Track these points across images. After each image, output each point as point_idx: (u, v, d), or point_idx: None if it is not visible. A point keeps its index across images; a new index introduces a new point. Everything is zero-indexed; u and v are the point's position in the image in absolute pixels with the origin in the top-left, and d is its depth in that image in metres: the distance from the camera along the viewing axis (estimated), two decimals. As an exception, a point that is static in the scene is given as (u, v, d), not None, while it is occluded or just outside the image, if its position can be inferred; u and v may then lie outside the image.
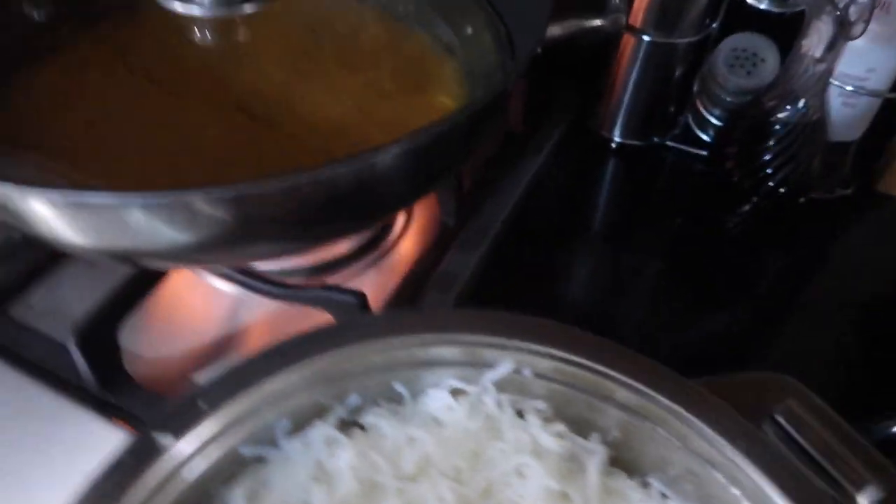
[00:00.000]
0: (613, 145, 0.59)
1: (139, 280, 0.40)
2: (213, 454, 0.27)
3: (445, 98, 0.45)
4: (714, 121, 0.55)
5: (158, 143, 0.41)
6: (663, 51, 0.52)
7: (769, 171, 0.47)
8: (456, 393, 0.31)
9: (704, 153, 0.58)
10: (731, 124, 0.49)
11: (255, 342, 0.43)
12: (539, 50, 0.35)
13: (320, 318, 0.43)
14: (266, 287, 0.40)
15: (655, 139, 0.59)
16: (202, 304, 0.45)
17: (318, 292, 0.39)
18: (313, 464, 0.29)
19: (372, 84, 0.46)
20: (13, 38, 0.45)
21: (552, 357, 0.31)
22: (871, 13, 0.40)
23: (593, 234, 0.56)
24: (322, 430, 0.29)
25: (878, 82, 0.49)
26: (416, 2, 0.49)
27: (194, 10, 0.40)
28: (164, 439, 0.26)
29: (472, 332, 0.31)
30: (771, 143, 0.47)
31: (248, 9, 0.40)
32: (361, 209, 0.33)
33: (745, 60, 0.50)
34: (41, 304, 0.45)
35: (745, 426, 0.29)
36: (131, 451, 0.25)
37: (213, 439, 0.27)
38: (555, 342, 0.31)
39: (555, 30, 0.37)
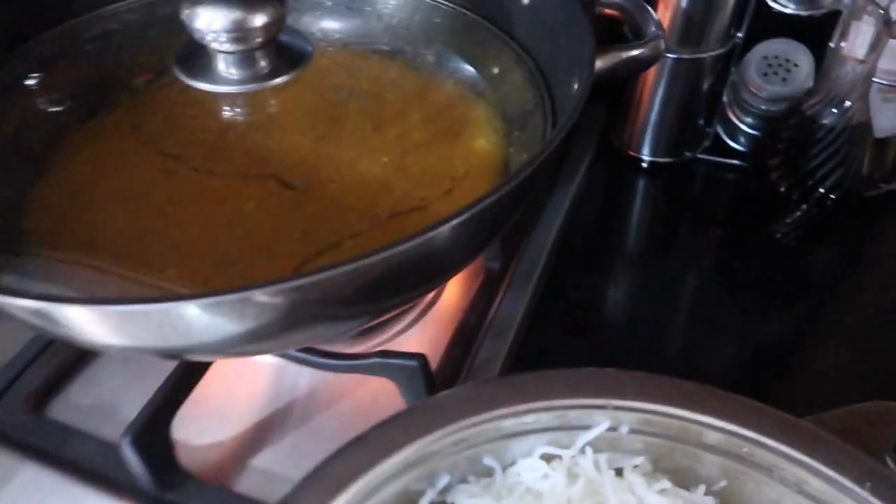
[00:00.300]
0: (644, 164, 0.58)
1: (189, 370, 0.38)
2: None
3: (482, 141, 0.44)
4: (748, 130, 0.54)
5: (197, 224, 0.39)
6: (689, 66, 0.50)
7: (818, 178, 0.45)
8: (548, 458, 0.30)
9: (738, 163, 0.57)
10: (771, 133, 0.48)
11: (311, 416, 0.41)
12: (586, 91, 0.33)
13: (374, 383, 0.41)
14: (320, 360, 0.38)
15: (687, 154, 0.57)
16: (251, 382, 0.43)
17: (377, 360, 0.37)
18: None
19: (404, 137, 0.44)
20: (34, 135, 0.43)
21: (649, 410, 0.29)
22: (914, 9, 0.39)
23: (636, 255, 0.54)
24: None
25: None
26: (437, 48, 0.47)
27: (221, 89, 0.38)
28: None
29: (562, 395, 0.29)
30: (817, 149, 0.45)
31: (277, 82, 0.38)
32: (426, 278, 0.32)
33: (779, 67, 0.49)
34: (82, 402, 0.43)
35: (869, 463, 0.28)
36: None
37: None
38: (649, 394, 0.29)
39: (596, 64, 0.35)
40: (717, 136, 0.57)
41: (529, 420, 0.29)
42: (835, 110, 0.44)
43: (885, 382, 0.44)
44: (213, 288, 0.36)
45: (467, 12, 0.49)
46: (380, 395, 0.41)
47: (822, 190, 0.45)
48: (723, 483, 0.29)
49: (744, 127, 0.53)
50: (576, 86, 0.35)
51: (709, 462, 0.29)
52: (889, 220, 0.55)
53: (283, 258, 0.37)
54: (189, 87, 0.40)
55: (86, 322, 0.29)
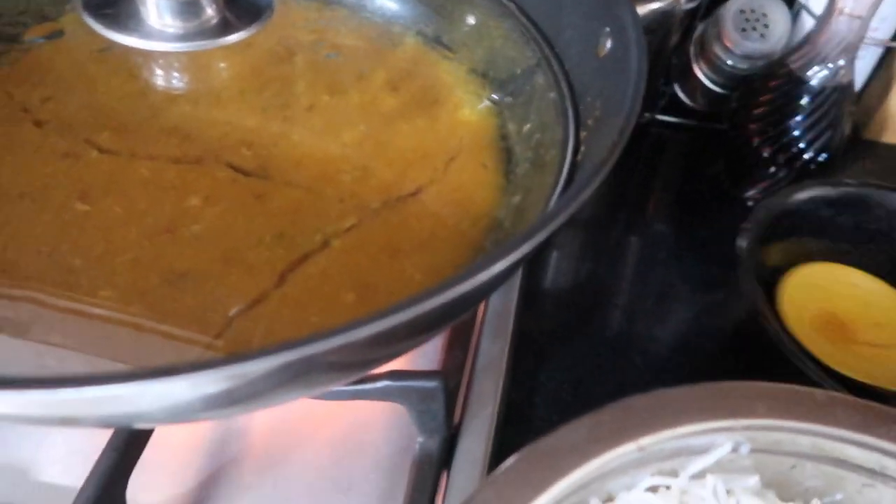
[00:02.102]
0: (603, 127, 0.54)
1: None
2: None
3: (467, 111, 0.37)
4: (714, 87, 0.51)
5: (125, 227, 0.30)
6: (659, 20, 0.46)
7: (807, 141, 0.44)
8: (653, 489, 0.25)
9: (693, 123, 0.55)
10: (750, 93, 0.45)
11: (281, 453, 0.34)
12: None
13: (353, 409, 0.35)
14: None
15: (645, 115, 0.54)
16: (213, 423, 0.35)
17: (388, 383, 0.30)
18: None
19: (373, 105, 0.37)
20: None
21: (781, 428, 0.25)
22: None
23: (585, 225, 0.51)
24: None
25: (885, 32, 0.47)
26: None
27: (154, 46, 0.28)
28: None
29: (686, 420, 0.24)
30: (803, 111, 0.43)
31: (229, 40, 0.29)
32: (456, 313, 0.25)
33: (756, 22, 0.46)
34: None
35: None
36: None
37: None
38: (780, 410, 0.25)
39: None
40: (673, 95, 0.54)
41: (634, 452, 0.25)
42: (824, 70, 0.42)
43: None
44: (173, 311, 0.28)
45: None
46: (363, 417, 0.35)
47: (808, 155, 0.44)
48: (838, 496, 0.26)
49: (710, 85, 0.50)
50: (609, 42, 0.30)
51: (843, 479, 0.26)
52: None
53: (256, 268, 0.29)
54: (103, 45, 0.30)
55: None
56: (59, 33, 0.33)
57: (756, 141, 0.45)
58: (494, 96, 0.37)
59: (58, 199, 0.31)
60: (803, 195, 0.40)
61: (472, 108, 0.37)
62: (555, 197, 0.28)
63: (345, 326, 0.17)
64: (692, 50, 0.51)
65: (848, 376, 0.35)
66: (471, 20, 0.39)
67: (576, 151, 0.30)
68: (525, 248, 0.19)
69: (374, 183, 0.33)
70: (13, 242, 0.30)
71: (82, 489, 0.27)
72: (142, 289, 0.28)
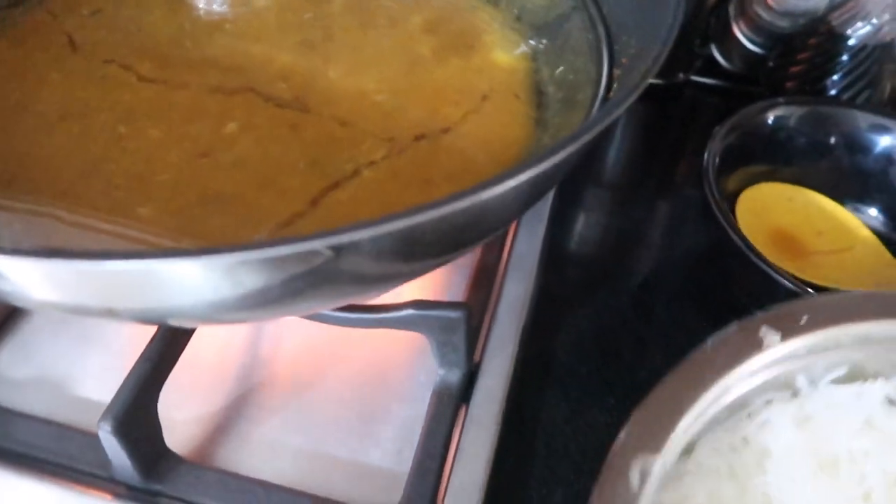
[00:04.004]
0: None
1: (174, 335, 0.30)
2: (776, 372, 0.26)
3: (500, 53, 0.37)
4: (752, 48, 0.50)
5: (165, 150, 0.31)
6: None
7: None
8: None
9: (729, 85, 0.54)
10: (788, 51, 0.45)
11: (310, 375, 0.35)
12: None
13: (378, 336, 0.35)
14: (340, 315, 0.32)
15: (680, 75, 0.53)
16: (234, 339, 0.36)
17: (410, 312, 0.31)
18: (863, 417, 0.27)
19: (409, 46, 0.37)
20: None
21: None
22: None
23: (620, 187, 0.51)
24: (882, 389, 0.27)
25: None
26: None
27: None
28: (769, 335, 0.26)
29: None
30: (842, 69, 0.43)
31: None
32: (476, 234, 0.25)
33: (800, -22, 0.45)
34: (16, 376, 0.34)
35: None
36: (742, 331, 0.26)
37: (786, 358, 0.26)
38: None
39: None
40: (710, 56, 0.53)
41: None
42: (866, 27, 0.41)
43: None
44: (204, 231, 0.29)
45: None
46: (386, 350, 0.36)
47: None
48: None
49: (748, 44, 0.50)
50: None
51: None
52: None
53: (289, 192, 0.30)
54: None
55: (43, 280, 0.20)
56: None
57: (789, 98, 0.45)
58: (530, 40, 0.37)
59: (98, 121, 0.32)
60: (767, 116, 0.42)
61: (506, 52, 0.37)
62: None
63: (378, 220, 0.17)
64: (732, 9, 0.50)
65: (816, 284, 0.36)
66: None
67: (608, 89, 0.30)
68: (554, 159, 0.19)
69: (407, 119, 0.33)
70: (54, 161, 0.31)
71: (116, 396, 0.28)
72: (177, 207, 0.29)
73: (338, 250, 0.18)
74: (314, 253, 0.18)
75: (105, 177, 0.30)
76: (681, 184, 0.52)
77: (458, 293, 0.37)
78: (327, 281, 0.21)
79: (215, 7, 0.34)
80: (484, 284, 0.37)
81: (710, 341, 0.27)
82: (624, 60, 0.30)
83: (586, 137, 0.20)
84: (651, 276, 0.45)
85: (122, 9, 0.36)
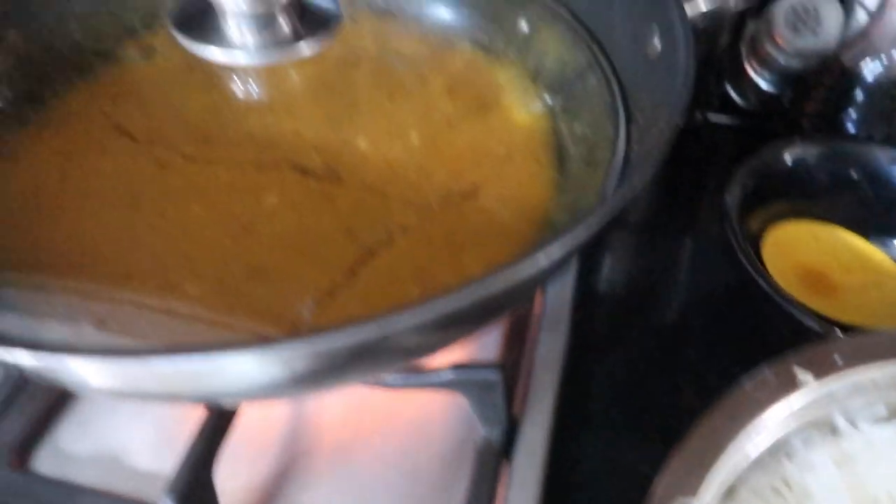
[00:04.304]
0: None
1: (223, 410, 0.31)
2: (814, 413, 0.27)
3: (520, 112, 0.39)
4: (765, 86, 0.51)
5: (209, 226, 0.32)
6: (712, 20, 0.47)
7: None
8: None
9: (745, 123, 0.55)
10: (803, 89, 0.46)
11: (353, 443, 0.36)
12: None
13: (420, 397, 0.36)
14: (387, 378, 0.33)
15: (698, 116, 0.54)
16: (289, 407, 0.37)
17: (450, 375, 0.32)
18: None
19: (430, 111, 0.39)
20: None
21: None
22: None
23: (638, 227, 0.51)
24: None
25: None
26: (452, 7, 0.41)
27: (236, 59, 0.31)
28: (803, 375, 0.26)
29: None
30: (855, 107, 0.43)
31: (303, 52, 0.32)
32: (513, 301, 0.26)
33: (808, 18, 0.47)
34: (76, 450, 0.35)
35: None
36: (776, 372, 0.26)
37: (822, 398, 0.27)
38: None
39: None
40: (725, 95, 0.55)
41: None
42: (878, 64, 0.42)
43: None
44: (251, 307, 0.30)
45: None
46: (427, 409, 0.37)
47: (863, 147, 0.44)
48: None
49: (762, 83, 0.51)
50: (658, 43, 0.31)
51: None
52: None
53: (328, 262, 0.32)
54: (189, 60, 0.33)
55: (109, 376, 0.22)
56: (150, 50, 0.36)
57: (807, 137, 0.45)
58: (547, 98, 0.39)
59: (146, 202, 0.34)
60: (785, 155, 0.43)
61: (525, 111, 0.39)
62: (608, 193, 0.29)
63: (415, 306, 0.19)
64: (743, 49, 0.51)
65: (843, 322, 0.36)
66: (523, 26, 0.41)
67: (627, 149, 0.31)
68: (579, 236, 0.21)
69: (434, 182, 0.35)
70: (105, 242, 0.33)
71: (177, 475, 0.29)
72: (224, 284, 0.31)
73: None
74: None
75: (155, 257, 0.32)
76: (704, 222, 0.52)
77: (492, 350, 0.38)
78: (371, 356, 0.23)
79: (249, 86, 0.36)
80: (518, 339, 0.38)
81: (745, 382, 0.27)
82: (640, 120, 0.31)
83: (613, 210, 0.21)
84: (680, 318, 0.45)
85: (162, 92, 0.38)
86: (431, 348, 0.25)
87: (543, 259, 0.20)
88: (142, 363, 0.18)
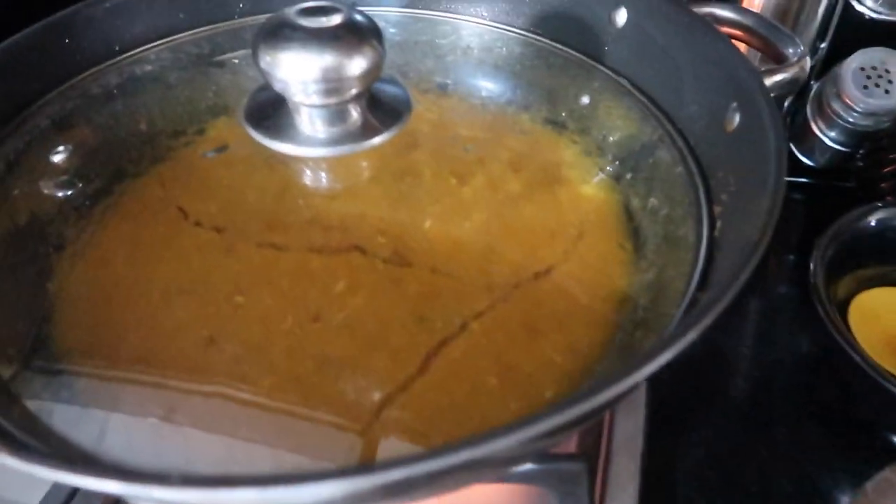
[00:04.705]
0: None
1: None
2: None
3: (588, 187, 0.38)
4: (833, 145, 0.50)
5: (280, 316, 0.32)
6: (784, 88, 0.46)
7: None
8: None
9: (811, 181, 0.54)
10: (879, 149, 0.44)
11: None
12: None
13: (499, 495, 0.35)
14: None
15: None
16: None
17: (533, 467, 0.30)
18: None
19: (496, 186, 0.38)
20: (50, 219, 0.35)
21: None
22: None
23: None
24: None
25: None
26: (510, 82, 0.41)
27: (308, 152, 0.31)
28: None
29: None
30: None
31: (374, 142, 0.32)
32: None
33: (879, 78, 0.45)
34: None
35: None
36: None
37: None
38: None
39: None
40: (790, 154, 0.53)
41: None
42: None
43: None
44: (326, 400, 0.30)
45: (540, 38, 0.43)
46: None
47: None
48: None
49: (830, 143, 0.49)
50: (737, 117, 0.30)
51: None
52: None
53: (400, 352, 0.31)
54: (259, 153, 0.33)
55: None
56: (223, 147, 0.36)
57: (889, 200, 0.43)
58: (616, 172, 0.38)
59: (215, 292, 0.34)
60: (869, 220, 0.41)
61: (593, 186, 0.38)
62: (696, 275, 0.28)
63: (513, 425, 0.18)
64: (809, 108, 0.50)
65: None
66: (585, 100, 0.40)
67: (712, 227, 0.30)
68: (688, 339, 0.19)
69: (505, 264, 0.34)
70: (175, 334, 0.32)
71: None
72: (297, 376, 0.30)
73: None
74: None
75: (228, 349, 0.31)
76: (777, 286, 0.50)
77: (569, 440, 0.36)
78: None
79: (316, 172, 0.36)
80: (594, 426, 0.36)
81: (869, 486, 0.25)
82: (723, 197, 0.30)
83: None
84: (762, 392, 0.43)
85: (229, 179, 0.38)
86: (513, 462, 0.24)
87: (651, 366, 0.19)
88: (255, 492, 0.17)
